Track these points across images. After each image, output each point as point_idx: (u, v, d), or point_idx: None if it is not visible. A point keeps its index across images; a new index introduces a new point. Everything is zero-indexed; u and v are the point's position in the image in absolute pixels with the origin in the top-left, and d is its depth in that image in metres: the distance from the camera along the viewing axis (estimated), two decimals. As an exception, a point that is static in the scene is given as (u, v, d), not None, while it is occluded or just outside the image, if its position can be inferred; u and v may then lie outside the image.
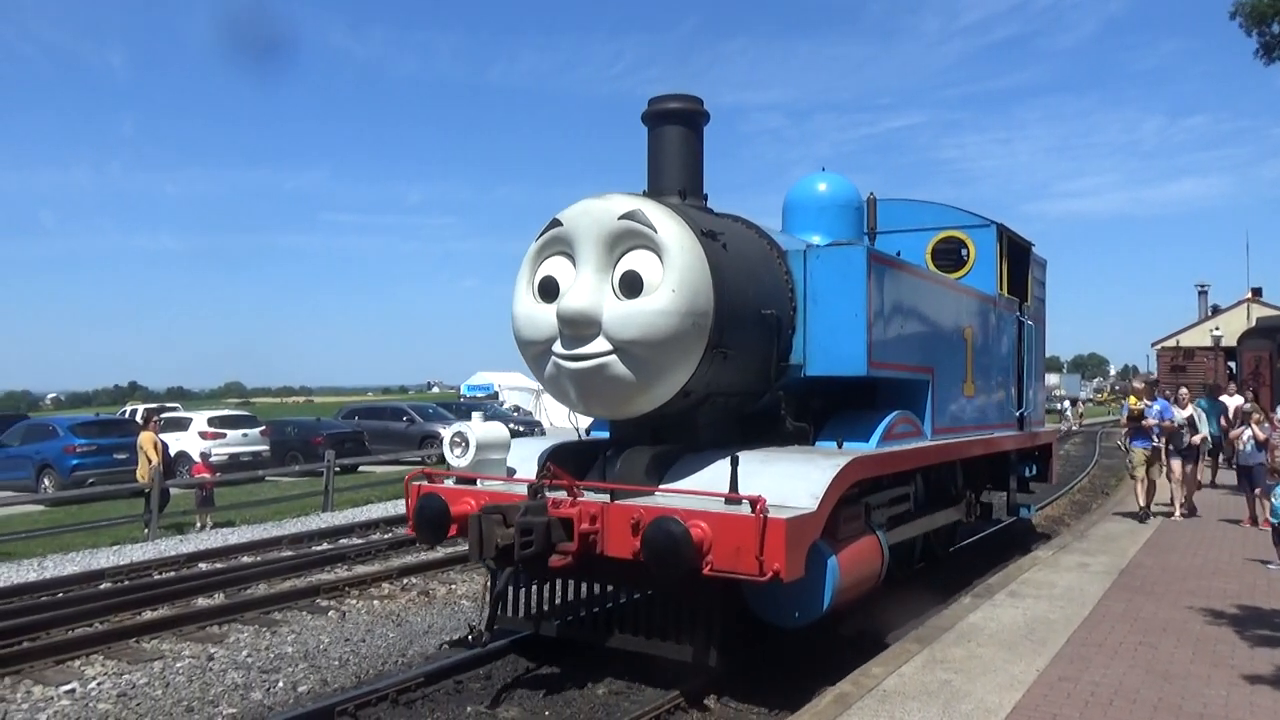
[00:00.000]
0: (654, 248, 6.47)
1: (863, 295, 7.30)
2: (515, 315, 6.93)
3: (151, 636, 8.64)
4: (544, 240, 6.90)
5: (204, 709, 6.80)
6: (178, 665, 7.79)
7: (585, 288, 6.50)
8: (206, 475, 18.23)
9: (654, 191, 7.28)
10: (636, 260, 6.51)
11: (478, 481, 7.14)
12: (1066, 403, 58.29)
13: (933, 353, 8.76)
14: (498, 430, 7.21)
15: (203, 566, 12.41)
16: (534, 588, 7.25)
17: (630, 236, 6.53)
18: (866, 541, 7.05)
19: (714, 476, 6.51)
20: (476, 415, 7.25)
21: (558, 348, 6.65)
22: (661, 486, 6.73)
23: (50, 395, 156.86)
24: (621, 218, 6.53)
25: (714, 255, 6.62)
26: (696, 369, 6.61)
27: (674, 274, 6.38)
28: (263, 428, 27.46)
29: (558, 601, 7.38)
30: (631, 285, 6.46)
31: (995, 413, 10.74)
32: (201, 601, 10.11)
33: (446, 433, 7.24)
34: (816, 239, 8.70)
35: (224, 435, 25.79)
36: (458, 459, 7.10)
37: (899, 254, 9.14)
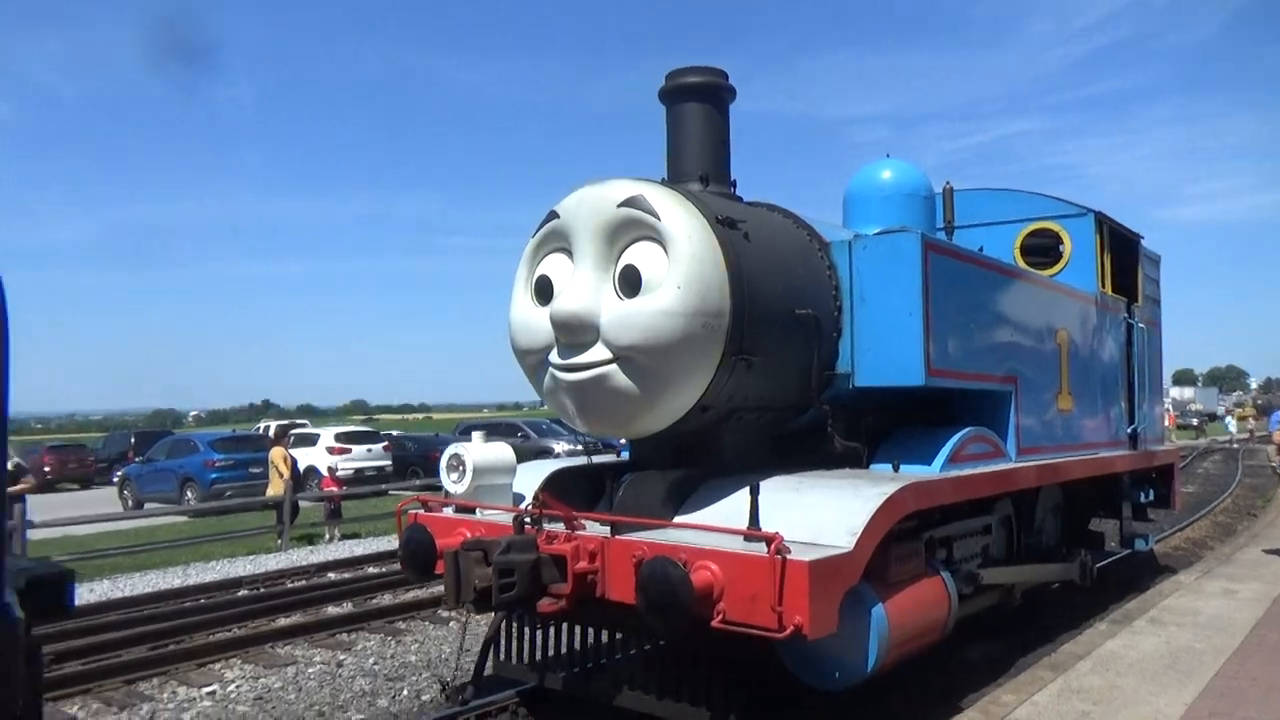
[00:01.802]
0: (658, 238, 5.53)
1: (917, 291, 6.17)
2: (511, 321, 6.08)
3: (285, 642, 9.05)
4: (540, 235, 6.03)
5: (334, 714, 7.00)
6: (309, 671, 8.14)
7: (581, 287, 5.60)
8: (334, 489, 18.97)
9: (673, 177, 6.34)
10: (639, 254, 5.58)
11: (477, 511, 6.29)
12: (1229, 418, 54.72)
13: (1016, 360, 7.51)
14: (500, 452, 6.34)
15: (331, 576, 12.93)
16: (538, 632, 6.35)
17: (632, 227, 5.60)
18: (927, 586, 5.90)
19: (740, 507, 5.48)
20: (477, 435, 6.42)
21: (554, 357, 5.77)
22: (678, 519, 5.75)
23: (193, 413, 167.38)
24: (621, 205, 5.61)
25: (732, 246, 5.63)
26: (713, 379, 5.61)
27: (680, 268, 5.42)
28: (385, 443, 28.38)
29: (563, 649, 6.46)
30: (632, 283, 5.53)
31: (1100, 429, 9.32)
32: (331, 610, 10.55)
33: (444, 456, 6.41)
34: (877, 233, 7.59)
35: (349, 450, 27.05)
36: (454, 485, 6.27)
37: (980, 250, 7.95)
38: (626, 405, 5.61)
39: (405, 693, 7.47)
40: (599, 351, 5.55)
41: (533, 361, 5.95)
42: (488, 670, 6.54)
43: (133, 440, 37.08)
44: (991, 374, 7.14)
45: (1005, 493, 7.28)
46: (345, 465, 25.35)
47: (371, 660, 8.41)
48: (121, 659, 8.43)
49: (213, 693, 7.57)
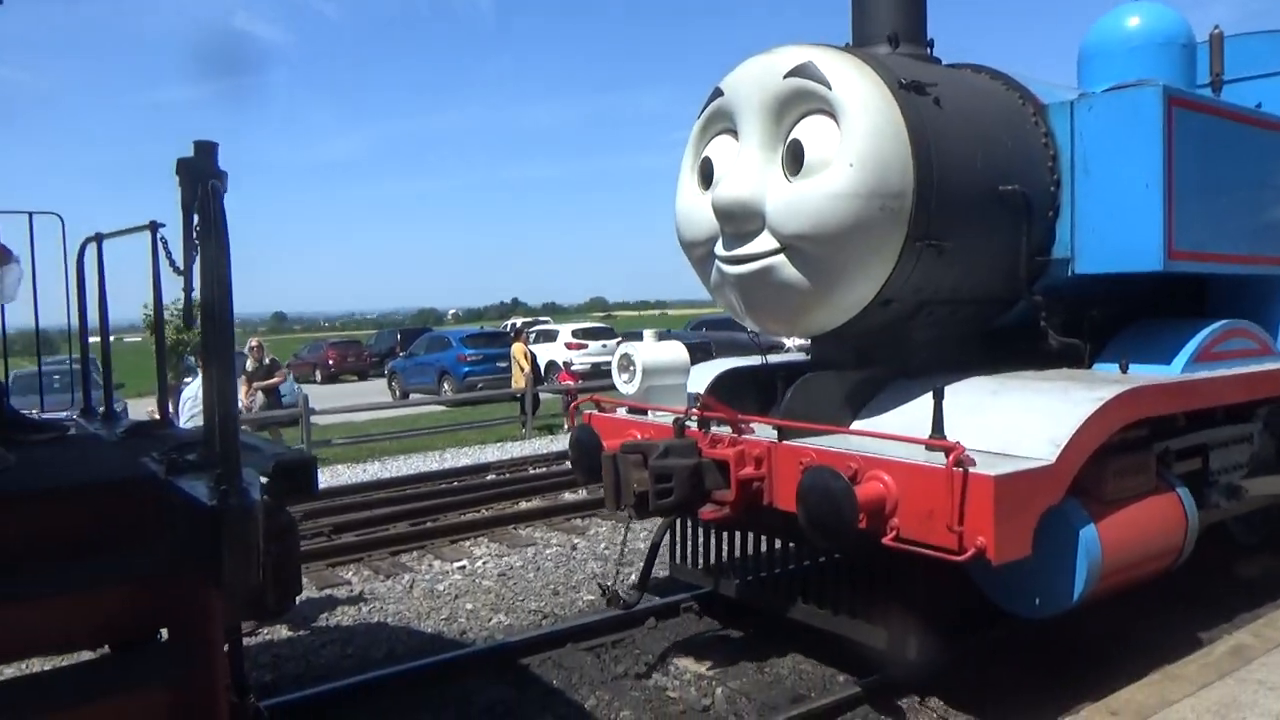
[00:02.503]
0: (830, 110, 4.88)
1: (1157, 157, 5.13)
2: (676, 211, 5.66)
3: (526, 525, 9.60)
4: (705, 116, 5.53)
5: (568, 593, 7.27)
6: (547, 552, 8.46)
7: (745, 171, 5.08)
8: (570, 383, 19.92)
9: (857, 40, 5.60)
10: (809, 130, 4.96)
11: (649, 413, 6.05)
12: None
13: (1294, 238, 6.21)
14: (671, 352, 6.03)
15: (568, 465, 13.47)
16: (711, 537, 6.09)
17: (801, 99, 4.98)
18: (1156, 504, 5.06)
19: (929, 413, 4.88)
20: (648, 334, 6.13)
21: (719, 248, 5.32)
22: (856, 425, 5.23)
23: (451, 311, 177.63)
24: (788, 75, 4.98)
25: (917, 115, 4.88)
26: (894, 269, 4.97)
27: (853, 143, 4.77)
28: (619, 339, 29.20)
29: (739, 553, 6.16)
30: (801, 163, 4.94)
31: None
32: (567, 496, 10.98)
33: (614, 356, 6.18)
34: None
35: (585, 346, 28.49)
36: (625, 385, 6.05)
37: (1259, 106, 6.60)
38: (796, 300, 5.10)
39: (633, 578, 7.38)
40: (765, 241, 5.04)
41: (699, 254, 5.53)
42: (663, 572, 6.39)
43: (399, 337, 39.53)
44: (1258, 255, 5.94)
45: (1272, 398, 6.12)
46: (581, 360, 26.39)
47: (603, 545, 8.64)
48: (388, 532, 9.28)
49: (463, 567, 8.06)
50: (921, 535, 4.28)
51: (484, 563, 8.21)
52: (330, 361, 37.96)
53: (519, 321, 35.85)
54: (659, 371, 5.94)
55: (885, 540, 4.35)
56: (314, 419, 15.30)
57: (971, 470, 4.10)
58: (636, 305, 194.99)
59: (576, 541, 8.83)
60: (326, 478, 12.81)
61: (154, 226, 3.92)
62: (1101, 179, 5.38)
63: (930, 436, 4.45)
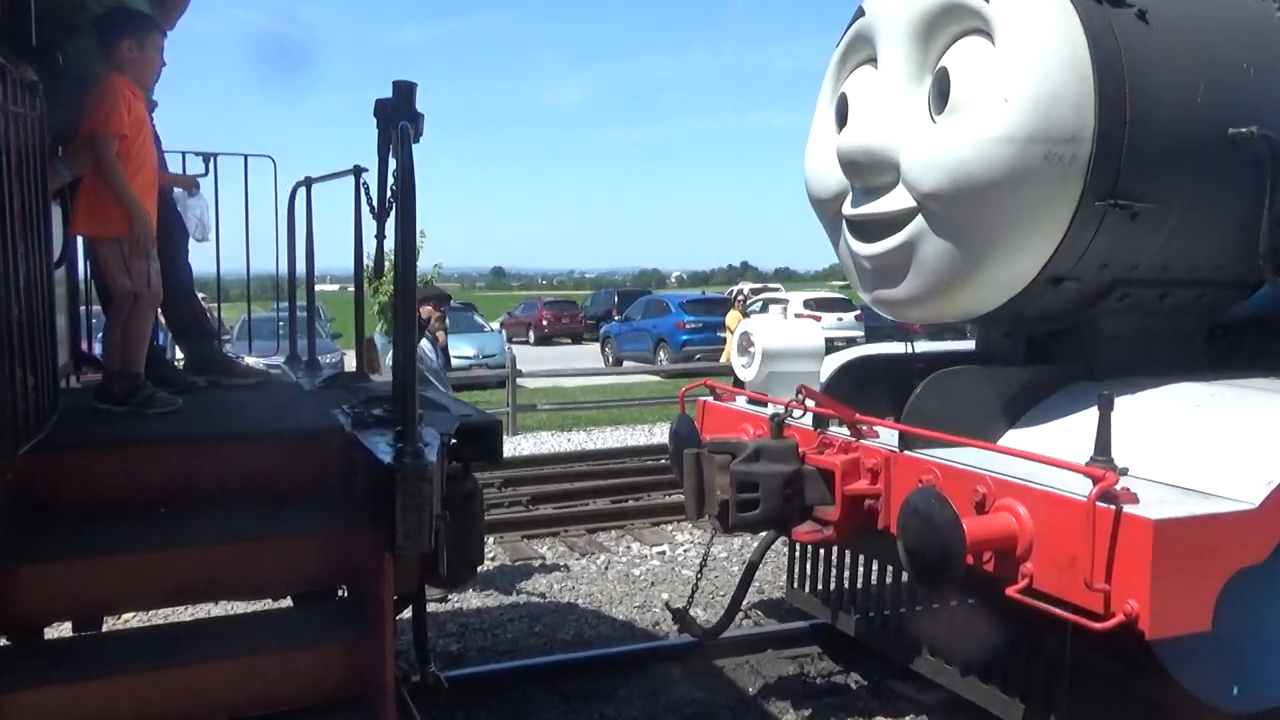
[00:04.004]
0: (988, 30, 3.80)
1: None
2: (805, 161, 4.73)
3: None
4: (845, 42, 4.54)
5: (773, 592, 6.45)
6: (755, 545, 7.77)
7: (878, 110, 4.10)
8: None
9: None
10: (960, 56, 3.90)
11: (769, 406, 5.15)
12: None
13: None
14: (799, 334, 5.09)
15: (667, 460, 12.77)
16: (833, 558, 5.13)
17: (953, 16, 3.92)
18: None
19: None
20: (775, 310, 5.22)
21: (846, 207, 4.37)
22: (1013, 433, 4.14)
23: (675, 274, 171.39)
24: (939, -13, 3.94)
25: (1107, 33, 3.70)
26: (1066, 237, 3.83)
27: (1010, 71, 3.67)
28: (857, 312, 27.03)
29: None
30: (946, 99, 3.89)
31: None
32: None
33: (734, 335, 5.32)
34: None
35: (819, 318, 26.16)
36: (744, 370, 5.20)
37: None
38: (934, 275, 4.05)
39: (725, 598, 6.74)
40: (898, 198, 4.04)
41: (830, 213, 4.58)
42: (776, 595, 5.51)
43: (615, 299, 37.05)
44: None
45: None
46: None
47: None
48: (587, 508, 8.75)
49: (662, 553, 7.53)
50: (1059, 589, 3.23)
51: (685, 550, 7.57)
52: (544, 322, 36.18)
53: (746, 288, 34.03)
54: (783, 356, 5.01)
55: (1010, 591, 3.32)
56: (521, 381, 15.12)
57: (1126, 509, 3.00)
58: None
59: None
60: (529, 445, 12.52)
61: (357, 171, 3.82)
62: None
63: (1091, 459, 3.35)
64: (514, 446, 12.14)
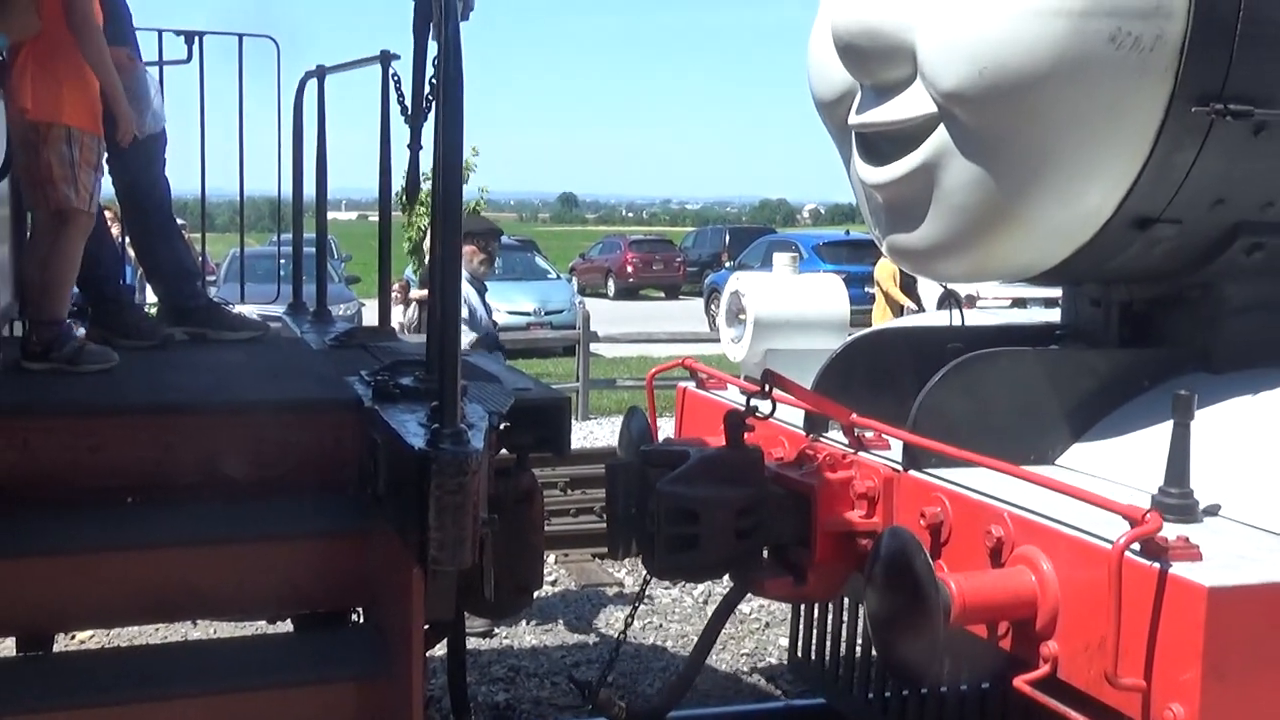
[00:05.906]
0: None
1: None
2: (809, 49, 3.56)
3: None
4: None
5: None
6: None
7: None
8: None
9: None
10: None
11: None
12: None
13: None
14: (811, 296, 3.89)
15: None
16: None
17: None
18: None
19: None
20: (780, 258, 4.04)
21: (852, 112, 3.24)
22: (1075, 449, 2.96)
23: (808, 207, 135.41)
24: None
25: None
26: (1150, 158, 2.64)
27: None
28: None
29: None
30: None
31: None
32: None
33: (724, 293, 4.16)
34: None
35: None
36: (733, 345, 4.04)
37: None
38: (964, 212, 2.92)
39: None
40: (914, 100, 2.91)
41: (837, 120, 3.41)
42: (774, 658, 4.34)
43: (726, 239, 29.43)
44: None
45: None
46: (997, 295, 21.32)
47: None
48: None
49: None
50: (1086, 681, 2.16)
51: (808, 584, 6.22)
52: (629, 268, 28.57)
53: None
54: (785, 327, 3.78)
55: (1018, 683, 2.24)
56: (596, 348, 11.87)
57: (1172, 568, 1.90)
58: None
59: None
60: (604, 433, 9.82)
61: (385, 58, 3.13)
62: None
63: (1159, 491, 2.22)
64: (585, 434, 9.95)
